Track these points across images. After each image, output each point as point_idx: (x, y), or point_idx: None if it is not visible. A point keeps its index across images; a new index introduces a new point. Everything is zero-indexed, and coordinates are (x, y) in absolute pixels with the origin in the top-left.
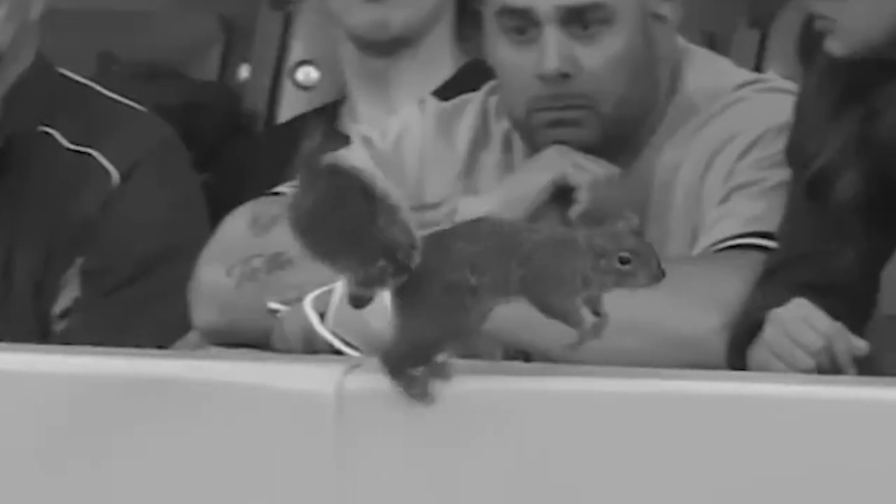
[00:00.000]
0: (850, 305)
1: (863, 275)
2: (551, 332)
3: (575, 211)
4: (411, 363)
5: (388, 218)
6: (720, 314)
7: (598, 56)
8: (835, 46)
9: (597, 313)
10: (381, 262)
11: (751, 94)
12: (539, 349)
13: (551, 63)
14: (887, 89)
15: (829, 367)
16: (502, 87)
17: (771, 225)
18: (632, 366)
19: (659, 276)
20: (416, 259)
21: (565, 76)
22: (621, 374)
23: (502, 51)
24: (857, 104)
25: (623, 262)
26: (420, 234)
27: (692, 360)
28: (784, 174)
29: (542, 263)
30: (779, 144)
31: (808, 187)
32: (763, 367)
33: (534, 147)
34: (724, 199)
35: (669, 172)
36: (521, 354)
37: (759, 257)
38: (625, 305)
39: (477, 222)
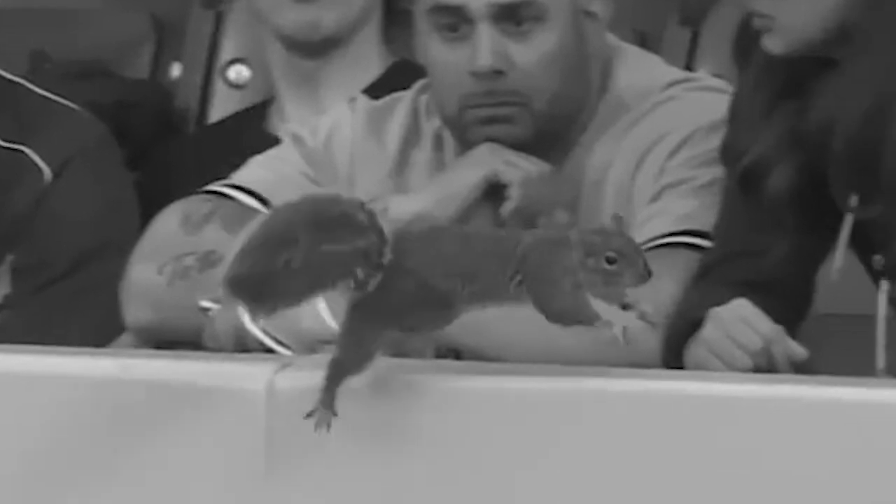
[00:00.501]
0: (787, 304)
1: (799, 273)
2: (484, 330)
3: (506, 208)
4: (356, 371)
5: (343, 231)
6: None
7: (530, 53)
8: (773, 44)
9: (625, 306)
10: (359, 271)
11: (681, 93)
12: (471, 347)
13: (484, 60)
14: (819, 84)
15: (766, 368)
16: (434, 85)
17: (702, 223)
18: (568, 364)
19: (645, 276)
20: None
21: (498, 73)
22: (558, 372)
23: (435, 48)
24: (792, 100)
25: (609, 261)
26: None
27: (627, 358)
28: (715, 172)
29: (535, 266)
30: (709, 143)
31: (741, 181)
32: (700, 366)
33: (466, 145)
34: (655, 198)
35: (600, 171)
36: (453, 352)
37: (690, 255)
38: None
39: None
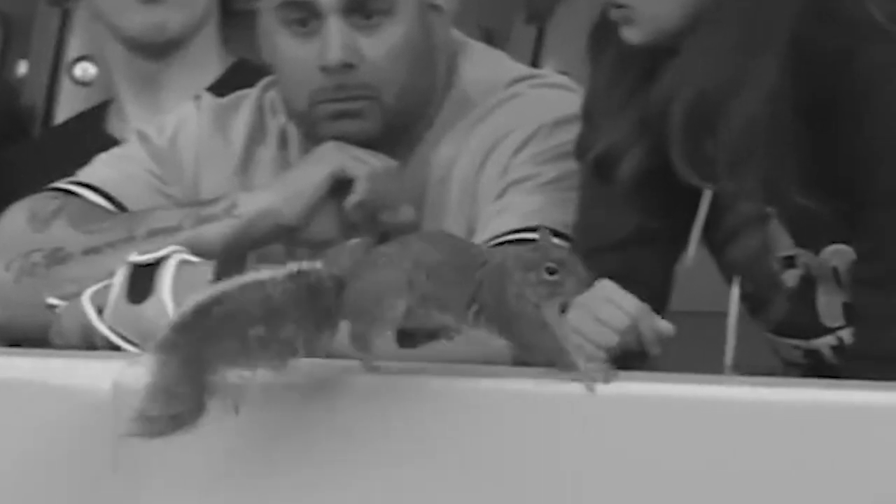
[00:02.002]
0: (647, 296)
1: (658, 265)
2: None
3: (351, 201)
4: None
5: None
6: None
7: (380, 46)
8: (632, 34)
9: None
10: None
11: (526, 90)
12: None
13: (334, 54)
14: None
15: (635, 346)
16: (283, 82)
17: (547, 219)
18: (420, 360)
19: (587, 282)
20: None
21: (348, 67)
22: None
23: (283, 44)
24: (645, 91)
25: (550, 272)
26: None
27: (480, 355)
28: (560, 168)
29: (490, 299)
30: (553, 140)
31: (595, 171)
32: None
33: (315, 141)
34: (500, 195)
35: (445, 168)
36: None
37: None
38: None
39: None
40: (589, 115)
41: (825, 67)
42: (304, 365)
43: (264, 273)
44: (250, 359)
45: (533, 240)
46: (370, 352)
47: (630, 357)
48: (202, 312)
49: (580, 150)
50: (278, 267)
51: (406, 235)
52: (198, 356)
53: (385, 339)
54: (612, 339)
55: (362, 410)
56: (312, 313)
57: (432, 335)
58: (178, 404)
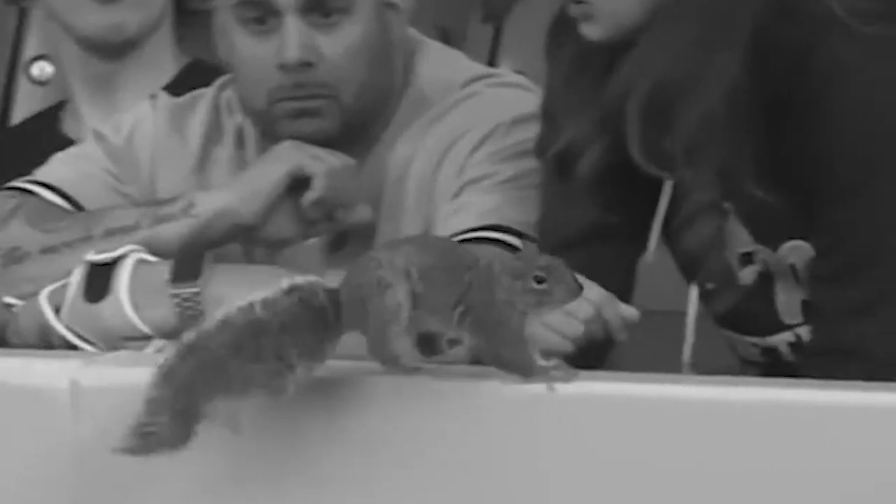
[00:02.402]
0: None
1: (619, 264)
2: None
3: (308, 198)
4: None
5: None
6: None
7: (338, 44)
8: (591, 31)
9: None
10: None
11: (482, 89)
12: None
13: (292, 52)
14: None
15: (601, 334)
16: (241, 80)
17: (505, 218)
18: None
19: (576, 290)
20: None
21: (307, 65)
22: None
23: (241, 43)
24: (605, 87)
25: (539, 281)
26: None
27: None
28: (517, 167)
29: (477, 302)
30: (510, 139)
31: (555, 168)
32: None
33: (273, 140)
34: (457, 194)
35: (402, 167)
36: None
37: (494, 250)
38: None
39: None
40: (548, 112)
41: (784, 63)
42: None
43: (258, 294)
44: (250, 385)
45: (490, 239)
46: (397, 355)
47: (598, 345)
48: (202, 342)
49: (540, 148)
50: (273, 285)
51: (393, 239)
52: (194, 386)
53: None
54: (578, 329)
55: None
56: (312, 329)
57: (454, 341)
58: (166, 428)
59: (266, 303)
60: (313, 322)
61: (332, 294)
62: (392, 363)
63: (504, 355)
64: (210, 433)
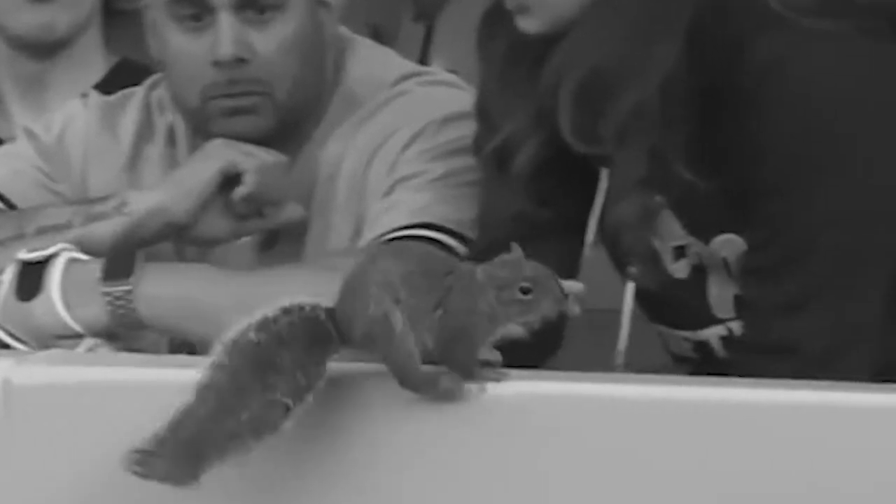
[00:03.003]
0: None
1: (560, 260)
2: (215, 321)
3: (238, 193)
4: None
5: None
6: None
7: (270, 40)
8: (528, 24)
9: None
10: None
11: (413, 87)
12: (206, 340)
13: (226, 48)
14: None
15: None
16: (174, 78)
17: (437, 215)
18: None
19: (562, 300)
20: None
21: (241, 61)
22: None
23: (174, 40)
24: (540, 80)
25: (524, 291)
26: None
27: None
28: (448, 165)
29: (455, 308)
30: (441, 137)
31: (493, 164)
32: None
33: (207, 138)
34: (388, 192)
35: (333, 165)
36: (187, 347)
37: (425, 247)
38: (295, 297)
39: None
40: (483, 109)
41: (721, 55)
42: None
43: (255, 316)
44: (260, 429)
45: (423, 237)
46: (430, 381)
47: (550, 325)
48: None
49: (477, 144)
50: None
51: (367, 255)
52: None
53: None
54: None
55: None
56: (315, 345)
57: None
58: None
59: (266, 321)
60: (315, 338)
61: (329, 311)
62: (429, 388)
63: (458, 357)
64: None
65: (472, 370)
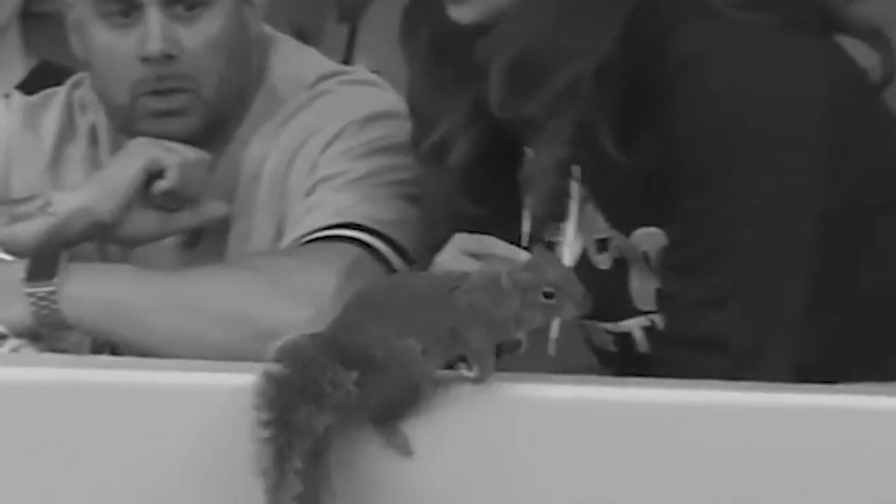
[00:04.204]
0: None
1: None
2: (135, 321)
3: (159, 187)
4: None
5: None
6: (311, 306)
7: (198, 37)
8: (461, 14)
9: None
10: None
11: (334, 87)
12: (125, 339)
13: (155, 44)
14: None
15: None
16: (100, 76)
17: (359, 215)
18: (225, 359)
19: (582, 304)
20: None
21: (169, 57)
22: None
23: (101, 37)
24: (476, 73)
25: (547, 296)
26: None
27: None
28: (371, 164)
29: (478, 308)
30: (363, 136)
31: (427, 161)
32: None
33: (132, 137)
34: (310, 192)
35: (256, 165)
36: (108, 347)
37: (348, 247)
38: (217, 298)
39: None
40: (415, 105)
41: (646, 46)
42: None
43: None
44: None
45: (346, 237)
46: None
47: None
48: None
49: (413, 142)
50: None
51: (355, 294)
52: None
53: None
54: None
55: None
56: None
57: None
58: None
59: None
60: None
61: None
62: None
63: (475, 344)
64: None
65: (487, 362)
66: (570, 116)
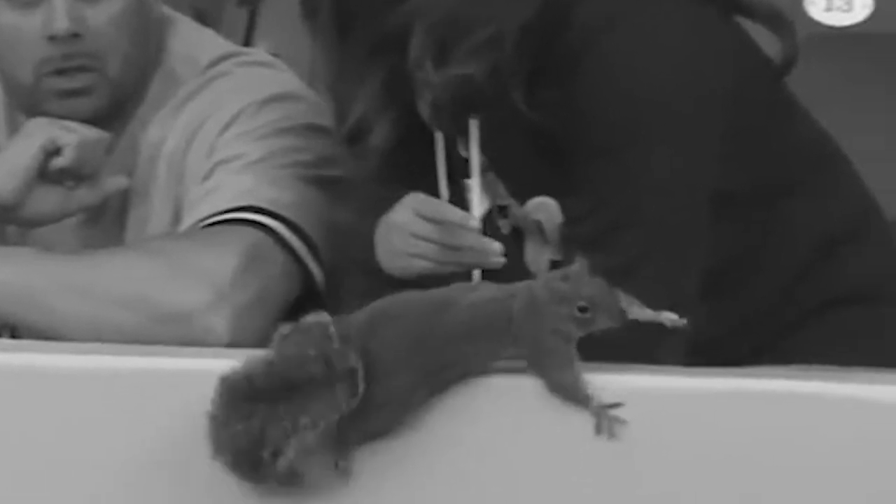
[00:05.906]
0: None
1: None
2: (37, 304)
3: (55, 164)
4: None
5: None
6: (210, 289)
7: (102, 15)
8: None
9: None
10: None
11: (232, 69)
12: (25, 322)
13: (61, 23)
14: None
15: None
16: (3, 56)
17: (259, 198)
18: (125, 342)
19: (619, 317)
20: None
21: (75, 36)
22: None
23: (4, 17)
24: (390, 54)
25: (581, 310)
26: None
27: (182, 336)
28: (270, 146)
29: (530, 336)
30: (261, 118)
31: (347, 145)
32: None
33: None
34: (208, 176)
35: (155, 147)
36: (8, 330)
37: (248, 231)
38: (116, 280)
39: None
40: (328, 87)
41: (559, 11)
42: None
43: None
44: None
45: (245, 220)
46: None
47: None
48: None
49: (335, 127)
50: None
51: (363, 317)
52: None
53: None
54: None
55: None
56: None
57: None
58: None
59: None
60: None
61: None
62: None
63: (555, 378)
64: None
65: (585, 396)
66: (490, 59)
